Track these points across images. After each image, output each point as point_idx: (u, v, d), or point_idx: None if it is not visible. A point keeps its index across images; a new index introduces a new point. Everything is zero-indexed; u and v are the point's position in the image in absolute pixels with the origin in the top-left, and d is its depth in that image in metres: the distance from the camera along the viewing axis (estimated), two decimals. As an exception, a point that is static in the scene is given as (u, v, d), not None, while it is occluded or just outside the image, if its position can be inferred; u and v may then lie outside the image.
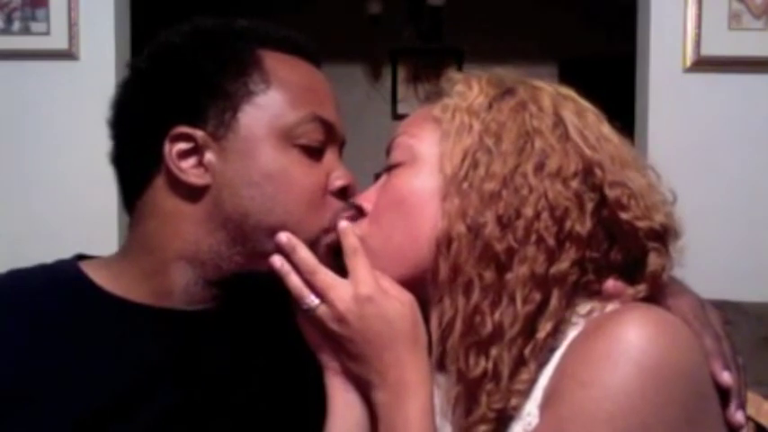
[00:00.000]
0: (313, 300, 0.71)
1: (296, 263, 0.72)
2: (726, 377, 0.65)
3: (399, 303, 0.71)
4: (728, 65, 1.96)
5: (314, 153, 0.75)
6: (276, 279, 0.73)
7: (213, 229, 0.73)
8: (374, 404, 0.71)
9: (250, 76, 0.74)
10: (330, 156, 0.77)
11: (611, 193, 0.68)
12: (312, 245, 0.73)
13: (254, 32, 0.77)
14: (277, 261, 0.72)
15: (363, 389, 0.73)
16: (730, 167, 1.97)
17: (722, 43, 1.93)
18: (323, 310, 0.71)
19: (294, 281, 0.72)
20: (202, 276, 0.74)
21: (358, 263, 0.71)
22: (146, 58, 0.77)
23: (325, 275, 0.71)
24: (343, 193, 0.77)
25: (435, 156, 0.72)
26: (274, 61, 0.75)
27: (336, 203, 0.76)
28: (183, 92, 0.74)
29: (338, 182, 0.76)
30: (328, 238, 0.74)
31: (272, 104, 0.73)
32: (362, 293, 0.70)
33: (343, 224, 0.74)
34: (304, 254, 0.72)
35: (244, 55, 0.75)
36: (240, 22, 0.78)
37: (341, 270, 0.73)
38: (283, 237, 0.72)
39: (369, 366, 0.71)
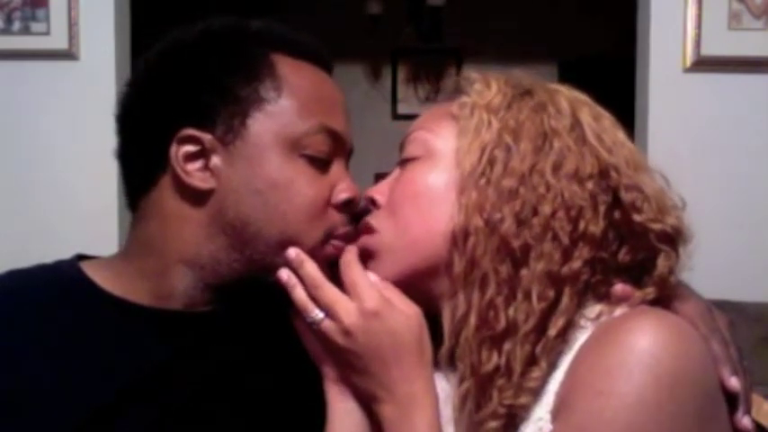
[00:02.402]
0: (317, 314, 0.71)
1: (302, 277, 0.72)
2: (734, 382, 0.65)
3: (405, 317, 0.71)
4: (728, 65, 1.95)
5: (320, 164, 0.75)
6: (280, 291, 0.72)
7: (214, 235, 0.73)
8: (380, 418, 0.71)
9: (262, 82, 0.73)
10: (337, 167, 0.77)
11: (626, 196, 0.69)
12: (310, 256, 0.73)
13: (268, 35, 0.77)
14: (284, 274, 0.72)
15: (366, 401, 0.73)
16: (730, 167, 1.97)
17: (722, 43, 1.93)
18: (327, 324, 0.71)
19: (299, 294, 0.72)
20: (202, 280, 0.74)
21: (358, 277, 0.71)
22: (157, 57, 0.76)
23: (331, 290, 0.71)
24: (347, 206, 0.76)
25: (452, 151, 0.73)
26: (287, 67, 0.75)
27: (337, 216, 0.75)
28: (194, 94, 0.73)
29: (342, 195, 0.75)
30: (326, 250, 0.74)
31: (281, 113, 0.73)
32: (369, 308, 0.70)
33: (349, 247, 0.75)
34: (311, 269, 0.72)
35: (257, 60, 0.74)
36: (254, 24, 0.77)
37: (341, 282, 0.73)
38: (292, 252, 0.72)
39: (375, 381, 0.71)
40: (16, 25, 1.97)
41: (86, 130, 1.95)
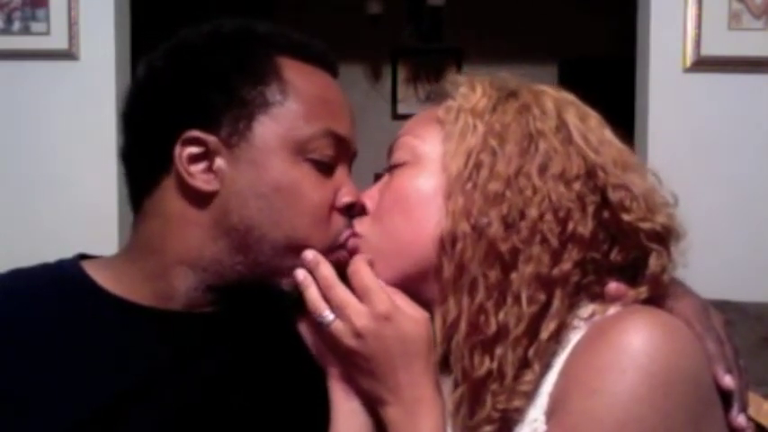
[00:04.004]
0: (328, 315, 0.71)
1: (317, 278, 0.72)
2: (728, 380, 0.65)
3: (414, 322, 0.71)
4: (728, 65, 1.95)
5: (325, 168, 0.75)
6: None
7: (217, 237, 0.73)
8: (386, 420, 0.71)
9: (268, 85, 0.73)
10: (340, 171, 0.77)
11: (613, 196, 0.69)
12: None
13: (275, 39, 0.76)
14: (300, 274, 0.73)
15: (371, 403, 0.73)
16: (730, 167, 1.97)
17: (722, 43, 1.93)
18: (337, 326, 0.71)
19: (313, 293, 0.72)
20: (204, 282, 0.74)
21: (369, 281, 0.71)
22: (163, 57, 0.76)
23: (344, 292, 0.71)
24: (349, 210, 0.76)
25: (438, 156, 0.73)
26: (293, 71, 0.75)
27: (341, 221, 0.76)
28: (199, 96, 0.73)
29: (345, 198, 0.76)
30: (332, 257, 0.74)
31: (287, 116, 0.73)
32: (380, 312, 0.70)
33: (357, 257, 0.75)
34: (325, 270, 0.72)
35: (263, 63, 0.74)
36: (261, 27, 0.77)
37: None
38: (309, 253, 0.73)
39: (382, 383, 0.71)
40: (16, 25, 1.96)
41: (86, 130, 1.95)
